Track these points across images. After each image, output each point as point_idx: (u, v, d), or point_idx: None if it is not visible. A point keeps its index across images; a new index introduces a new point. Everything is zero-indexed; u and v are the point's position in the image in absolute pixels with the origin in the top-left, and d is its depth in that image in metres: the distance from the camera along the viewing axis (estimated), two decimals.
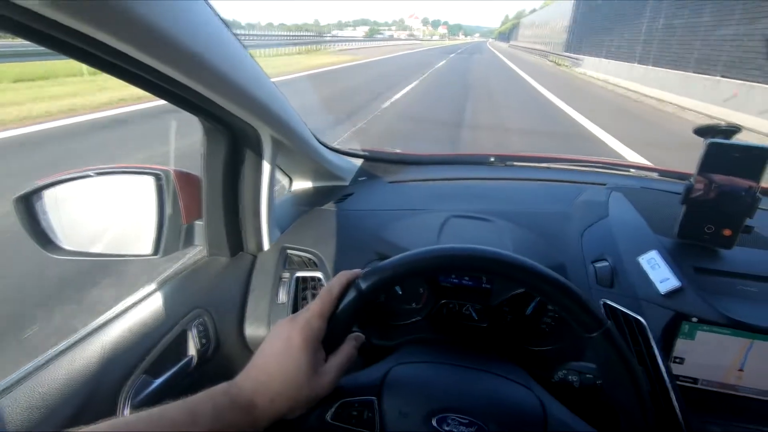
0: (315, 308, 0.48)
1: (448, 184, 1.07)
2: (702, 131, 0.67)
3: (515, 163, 1.20)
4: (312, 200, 0.98)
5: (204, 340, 0.66)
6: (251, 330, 0.73)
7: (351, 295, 0.49)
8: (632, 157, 4.83)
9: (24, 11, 0.33)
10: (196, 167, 0.73)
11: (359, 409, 0.49)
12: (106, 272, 2.09)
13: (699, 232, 0.65)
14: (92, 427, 0.35)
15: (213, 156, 0.69)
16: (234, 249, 0.78)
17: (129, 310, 0.62)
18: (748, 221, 0.63)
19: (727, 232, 0.64)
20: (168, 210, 0.71)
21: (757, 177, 0.61)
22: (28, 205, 0.67)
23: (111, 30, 0.37)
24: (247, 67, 0.57)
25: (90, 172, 0.69)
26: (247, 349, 0.74)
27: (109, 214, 0.72)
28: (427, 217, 0.82)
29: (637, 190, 0.94)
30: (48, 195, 0.68)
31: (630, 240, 0.71)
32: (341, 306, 0.49)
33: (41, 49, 0.43)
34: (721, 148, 0.62)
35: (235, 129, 0.68)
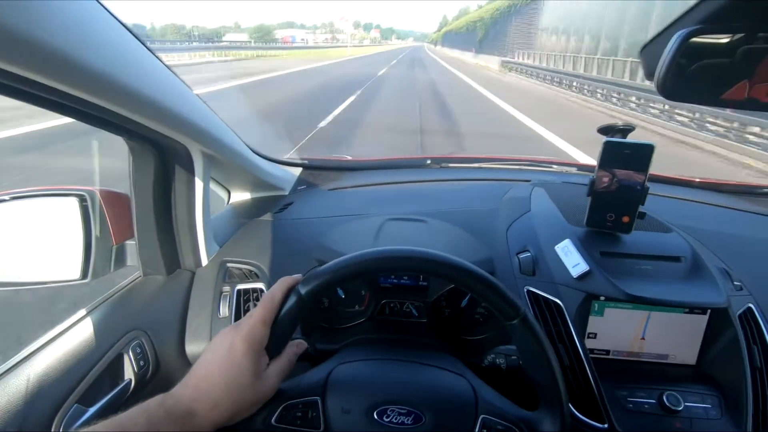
0: (257, 315, 0.49)
1: (386, 188, 1.11)
2: (604, 130, 0.75)
3: (450, 165, 1.26)
4: (251, 212, 0.98)
5: (142, 363, 0.64)
6: (193, 348, 0.72)
7: (291, 300, 0.50)
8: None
9: None
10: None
11: (303, 409, 0.51)
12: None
13: (603, 220, 0.74)
14: None
15: (141, 174, 0.68)
16: (170, 267, 0.76)
17: (58, 338, 0.60)
18: (641, 208, 0.72)
19: (625, 219, 0.73)
20: (95, 231, 0.69)
21: (644, 169, 0.70)
22: None
23: (11, 56, 0.36)
24: (166, 82, 0.57)
25: (4, 197, 0.65)
26: (190, 368, 0.73)
27: (29, 239, 0.68)
28: (364, 222, 0.85)
29: (557, 184, 1.03)
30: None
31: (548, 231, 0.78)
32: (282, 312, 0.50)
33: None
34: (616, 145, 0.70)
35: (161, 145, 0.67)
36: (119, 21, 0.47)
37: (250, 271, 0.79)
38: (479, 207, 0.95)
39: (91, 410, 0.56)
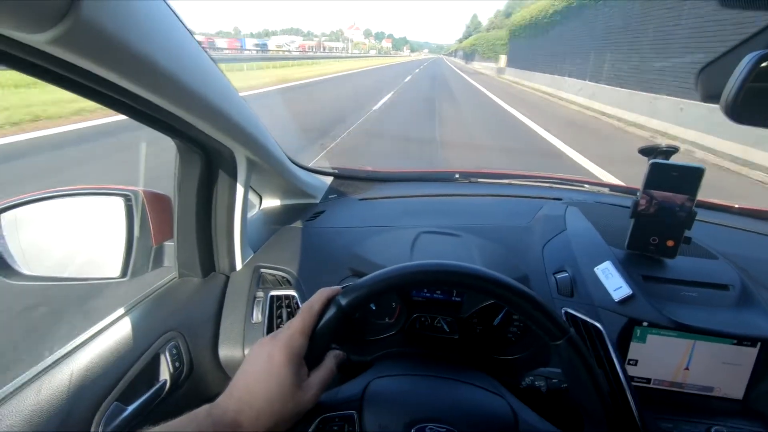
0: (296, 325, 0.49)
1: (416, 201, 1.10)
2: (646, 151, 0.74)
3: (479, 180, 1.25)
4: (283, 218, 0.99)
5: (177, 364, 0.65)
6: (225, 351, 0.72)
7: (331, 311, 0.50)
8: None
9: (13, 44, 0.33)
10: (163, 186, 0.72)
11: (339, 423, 0.50)
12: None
13: (646, 244, 0.72)
14: None
15: (186, 177, 0.69)
16: (206, 269, 0.77)
17: (98, 336, 0.61)
18: (687, 232, 0.69)
19: (670, 243, 0.71)
20: (137, 231, 0.70)
21: (692, 192, 0.68)
22: None
23: (90, 56, 0.37)
24: (221, 88, 0.58)
25: (53, 194, 0.67)
26: (222, 372, 0.73)
27: (74, 236, 0.69)
28: (398, 234, 0.85)
29: (591, 204, 1.01)
30: (6, 218, 0.66)
31: (586, 252, 0.76)
32: (322, 322, 0.50)
33: None
34: (662, 167, 0.69)
35: (209, 150, 0.68)
36: (182, 22, 0.48)
37: (283, 277, 0.79)
38: (511, 223, 0.94)
39: (130, 409, 0.56)
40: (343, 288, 0.52)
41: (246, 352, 0.71)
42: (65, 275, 0.69)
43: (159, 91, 0.47)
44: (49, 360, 0.55)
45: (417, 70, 30.09)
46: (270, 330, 0.74)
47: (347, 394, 0.54)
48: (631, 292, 0.65)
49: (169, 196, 0.74)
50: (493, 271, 0.50)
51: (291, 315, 0.75)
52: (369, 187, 1.17)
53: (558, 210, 0.96)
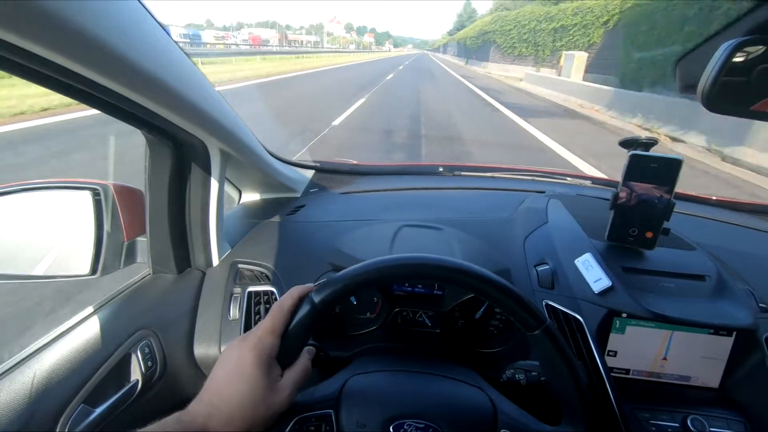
0: (266, 325, 0.47)
1: (399, 194, 1.09)
2: (626, 143, 0.74)
3: (462, 173, 1.25)
4: (263, 213, 0.96)
5: (150, 363, 0.62)
6: (201, 350, 0.70)
7: (304, 309, 0.49)
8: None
9: None
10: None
11: (316, 423, 0.49)
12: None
13: (625, 235, 0.72)
14: None
15: (157, 169, 0.66)
16: (181, 265, 0.75)
17: (64, 336, 0.58)
18: (665, 224, 0.70)
19: (649, 234, 0.71)
20: (107, 226, 0.67)
21: (671, 184, 0.68)
22: None
23: (37, 36, 0.35)
24: (191, 77, 0.56)
25: (17, 187, 0.64)
26: (198, 370, 0.71)
27: (41, 232, 0.67)
28: (379, 228, 0.84)
29: (573, 197, 1.02)
30: None
31: (567, 244, 0.76)
32: (294, 321, 0.49)
33: None
34: (641, 159, 0.69)
35: (180, 141, 0.66)
36: (147, 10, 0.46)
37: (262, 273, 0.77)
38: (494, 216, 0.94)
39: (97, 411, 0.54)
40: (316, 285, 0.51)
41: (222, 350, 0.70)
42: (32, 273, 0.66)
43: (120, 78, 0.44)
44: (10, 362, 0.52)
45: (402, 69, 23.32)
46: (248, 327, 0.72)
47: (324, 393, 0.53)
48: (610, 284, 0.65)
49: (141, 190, 0.71)
50: (471, 263, 0.49)
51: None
52: (351, 181, 1.15)
53: (540, 203, 0.96)
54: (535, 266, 0.75)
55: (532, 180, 1.21)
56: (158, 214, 0.69)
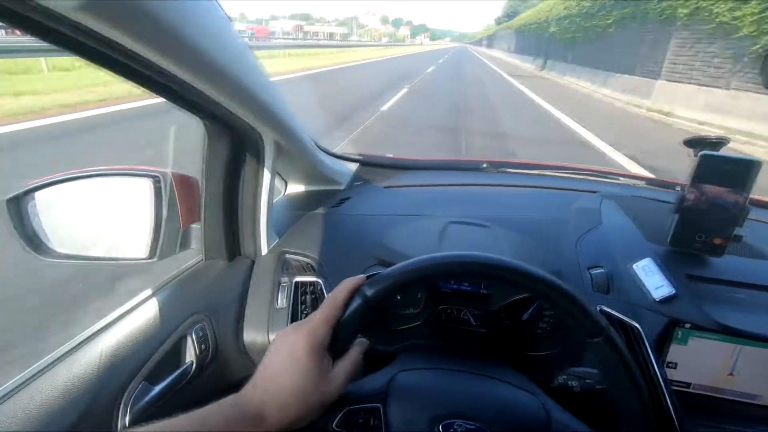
0: (320, 316, 0.48)
1: (443, 190, 1.08)
2: (692, 143, 0.69)
3: (508, 170, 1.21)
4: (308, 204, 0.98)
5: (203, 347, 0.65)
6: (250, 336, 0.72)
7: (356, 302, 0.49)
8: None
9: (36, 9, 0.32)
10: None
11: (364, 416, 0.49)
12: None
13: (691, 241, 0.68)
14: None
15: (214, 158, 0.68)
16: (232, 253, 0.77)
17: (126, 316, 0.61)
18: (737, 230, 0.65)
19: (717, 241, 0.66)
20: (165, 213, 0.70)
21: (745, 188, 0.63)
22: (19, 207, 0.65)
23: (124, 28, 0.36)
24: (253, 69, 0.56)
25: (85, 174, 0.67)
26: (246, 356, 0.73)
27: (104, 216, 0.70)
28: (425, 223, 0.83)
29: (628, 198, 0.97)
30: (40, 197, 0.66)
31: (624, 247, 0.73)
32: (347, 313, 0.49)
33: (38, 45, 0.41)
34: (713, 160, 0.64)
35: (237, 131, 0.67)
36: (218, 4, 0.47)
37: (308, 264, 0.78)
38: (543, 216, 0.90)
39: (156, 389, 0.57)
40: (368, 278, 0.51)
41: (270, 337, 0.71)
42: (95, 254, 0.69)
43: (189, 67, 0.45)
44: (79, 338, 0.56)
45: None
46: (294, 316, 0.73)
47: (372, 387, 0.53)
48: (673, 291, 0.61)
49: (196, 179, 0.73)
50: (532, 266, 0.47)
51: (315, 301, 0.74)
52: (394, 175, 1.14)
53: (593, 203, 0.92)
54: (588, 269, 0.72)
55: (582, 179, 1.16)
56: (213, 203, 0.71)
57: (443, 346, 0.71)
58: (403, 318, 0.78)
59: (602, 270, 0.70)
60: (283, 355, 0.46)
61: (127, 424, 0.52)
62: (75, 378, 0.50)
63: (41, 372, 0.49)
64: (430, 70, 17.66)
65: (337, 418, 0.49)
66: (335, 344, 0.48)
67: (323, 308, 0.48)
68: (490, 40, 67.79)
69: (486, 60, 32.58)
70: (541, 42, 22.53)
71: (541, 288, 0.46)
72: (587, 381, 0.56)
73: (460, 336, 0.75)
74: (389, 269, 0.49)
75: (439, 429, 0.48)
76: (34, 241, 0.66)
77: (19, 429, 0.44)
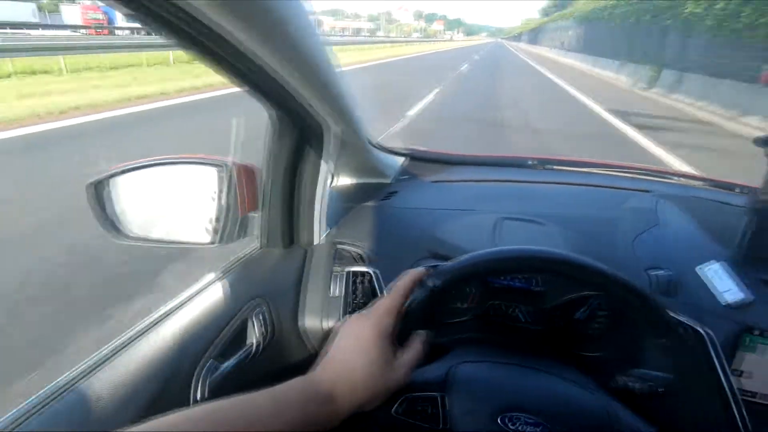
0: (385, 304, 0.49)
1: (491, 186, 1.07)
2: (764, 141, 0.66)
3: (555, 167, 1.19)
4: (356, 196, 0.99)
5: (264, 329, 0.68)
6: (306, 322, 0.74)
7: (420, 292, 0.50)
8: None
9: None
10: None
11: (424, 404, 0.51)
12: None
13: (764, 245, 0.65)
14: (195, 408, 0.36)
15: (278, 148, 0.71)
16: (287, 241, 0.80)
17: (195, 297, 0.64)
18: None
19: None
20: (227, 201, 0.73)
21: None
22: (98, 191, 0.70)
23: (242, 24, 0.38)
24: (329, 60, 0.58)
25: (157, 162, 0.71)
26: (301, 340, 0.75)
27: (172, 202, 0.74)
28: (477, 218, 0.83)
29: (686, 198, 0.93)
30: (116, 182, 0.71)
31: (687, 249, 0.70)
32: (410, 303, 0.50)
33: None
34: None
35: (303, 122, 0.69)
36: None
37: (359, 254, 0.80)
38: (595, 214, 0.89)
39: (224, 366, 0.60)
40: (429, 269, 0.52)
41: (325, 323, 0.73)
42: (163, 238, 0.73)
43: (283, 59, 0.47)
44: (156, 314, 0.59)
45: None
46: (347, 305, 0.75)
47: (431, 376, 0.54)
48: (744, 296, 0.59)
49: (257, 168, 0.76)
50: (598, 262, 0.47)
51: (367, 291, 0.76)
52: (441, 170, 1.14)
53: (648, 202, 0.89)
54: (646, 270, 0.70)
55: (634, 178, 1.12)
56: (273, 191, 0.74)
57: (496, 341, 0.72)
58: (452, 312, 0.78)
59: (663, 272, 0.68)
60: (351, 342, 0.47)
61: (199, 398, 0.55)
62: (155, 351, 0.53)
63: (126, 345, 0.53)
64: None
65: (397, 405, 0.50)
66: (399, 333, 0.49)
67: (388, 297, 0.50)
68: (533, 35, 56.43)
69: (537, 66, 21.12)
70: (639, 37, 13.20)
71: (612, 285, 0.46)
72: (649, 384, 0.55)
73: (509, 332, 0.75)
74: (454, 261, 0.50)
75: (499, 421, 0.48)
76: (110, 223, 0.71)
77: (108, 397, 0.47)
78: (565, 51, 27.37)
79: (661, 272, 0.68)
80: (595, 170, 1.17)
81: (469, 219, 0.83)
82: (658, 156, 5.18)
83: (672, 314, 0.62)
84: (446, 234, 0.79)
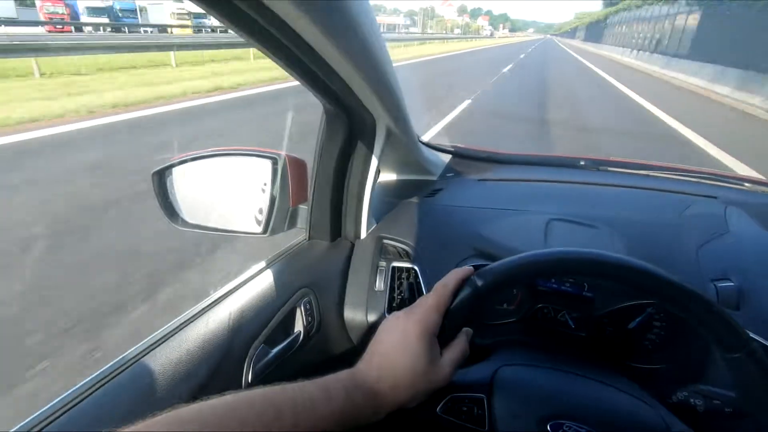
0: (431, 302, 0.49)
1: (539, 186, 1.04)
2: None
3: (610, 168, 1.14)
4: (400, 192, 0.99)
5: (310, 319, 0.69)
6: (350, 314, 0.76)
7: (466, 291, 0.49)
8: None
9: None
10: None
11: (469, 405, 0.50)
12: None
13: None
14: (251, 391, 0.38)
15: (330, 142, 0.72)
16: (334, 234, 0.81)
17: (246, 283, 0.67)
18: None
19: None
20: (278, 192, 0.75)
21: None
22: (161, 180, 0.74)
23: (321, 25, 0.39)
24: (386, 55, 0.58)
25: (215, 153, 0.74)
26: (344, 332, 0.77)
27: (227, 192, 0.77)
28: (526, 218, 0.81)
29: (758, 206, 0.86)
30: (177, 172, 0.75)
31: (759, 260, 0.65)
32: (456, 302, 0.49)
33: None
34: None
35: (355, 117, 0.70)
36: None
37: (404, 250, 0.80)
38: (655, 219, 0.84)
39: (273, 352, 0.62)
40: (475, 268, 0.51)
41: (369, 317, 0.74)
42: (217, 226, 0.77)
43: (351, 56, 0.48)
44: (211, 298, 0.62)
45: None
46: (392, 300, 0.75)
47: (476, 377, 0.53)
48: None
49: (306, 162, 0.78)
50: (659, 268, 0.44)
51: (411, 287, 0.76)
52: (487, 168, 1.12)
53: (715, 209, 0.83)
54: (712, 281, 0.65)
55: (698, 182, 1.05)
56: (322, 185, 0.75)
57: (545, 346, 0.70)
58: (497, 313, 0.77)
59: (731, 283, 0.63)
60: (396, 338, 0.47)
61: (251, 381, 0.57)
62: (210, 333, 0.56)
63: (184, 325, 0.56)
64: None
65: (442, 404, 0.50)
66: (444, 332, 0.49)
67: (434, 294, 0.49)
68: (593, 30, 45.86)
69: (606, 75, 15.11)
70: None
71: (673, 294, 0.43)
72: (714, 401, 0.51)
73: (556, 337, 0.73)
74: (502, 261, 0.49)
75: (547, 428, 0.47)
76: (169, 211, 0.75)
77: (169, 372, 0.50)
78: (660, 55, 17.62)
79: (729, 284, 0.63)
80: (653, 173, 1.11)
81: (517, 219, 0.81)
82: None
83: (743, 329, 0.58)
84: (493, 233, 0.77)
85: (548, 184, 1.04)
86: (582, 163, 1.16)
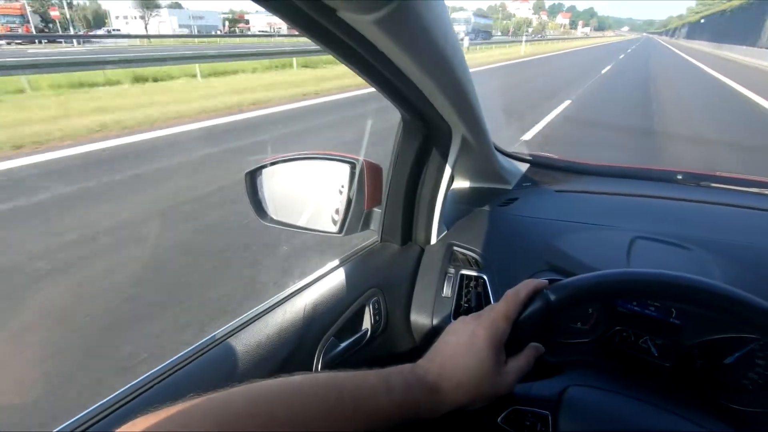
0: (501, 309, 0.48)
1: (624, 200, 0.97)
2: None
3: (712, 184, 1.03)
4: (473, 200, 0.99)
5: (377, 318, 0.72)
6: (416, 317, 0.77)
7: (537, 304, 0.48)
8: None
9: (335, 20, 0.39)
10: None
11: (532, 419, 0.49)
12: None
13: None
14: (318, 374, 0.41)
15: (406, 149, 0.74)
16: (405, 238, 0.83)
17: (320, 279, 0.72)
18: None
19: None
20: (354, 195, 0.79)
21: None
22: (253, 179, 0.82)
23: (398, 36, 0.41)
24: (464, 64, 0.59)
25: (300, 156, 0.81)
26: (409, 334, 0.79)
27: (308, 192, 0.83)
28: (607, 234, 0.76)
29: None
30: (266, 172, 0.82)
31: None
32: (526, 313, 0.49)
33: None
34: None
35: (431, 125, 0.72)
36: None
37: (474, 258, 0.80)
38: (764, 244, 0.74)
39: (342, 345, 0.66)
40: (550, 281, 0.49)
41: (434, 321, 0.75)
42: (298, 224, 0.83)
43: (427, 67, 0.49)
44: (288, 290, 0.68)
45: None
46: (458, 307, 0.76)
47: (541, 393, 0.52)
48: None
49: (381, 167, 0.81)
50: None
51: (479, 296, 0.75)
52: (567, 179, 1.07)
53: None
54: None
55: None
56: (396, 190, 0.78)
57: (617, 370, 0.65)
58: (569, 331, 0.73)
59: None
60: (463, 340, 0.48)
61: (318, 371, 0.61)
62: (286, 322, 0.61)
63: (265, 312, 0.62)
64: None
65: (504, 414, 0.49)
66: (511, 341, 0.49)
67: (504, 303, 0.49)
68: (725, 24, 36.95)
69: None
70: None
71: None
72: None
73: (634, 364, 0.68)
74: (579, 277, 0.47)
75: None
76: (258, 207, 0.83)
77: (249, 354, 0.56)
78: None
79: None
80: (765, 191, 0.98)
81: (597, 234, 0.77)
82: None
83: None
84: (569, 248, 0.74)
85: (636, 198, 0.97)
86: (679, 177, 1.06)
